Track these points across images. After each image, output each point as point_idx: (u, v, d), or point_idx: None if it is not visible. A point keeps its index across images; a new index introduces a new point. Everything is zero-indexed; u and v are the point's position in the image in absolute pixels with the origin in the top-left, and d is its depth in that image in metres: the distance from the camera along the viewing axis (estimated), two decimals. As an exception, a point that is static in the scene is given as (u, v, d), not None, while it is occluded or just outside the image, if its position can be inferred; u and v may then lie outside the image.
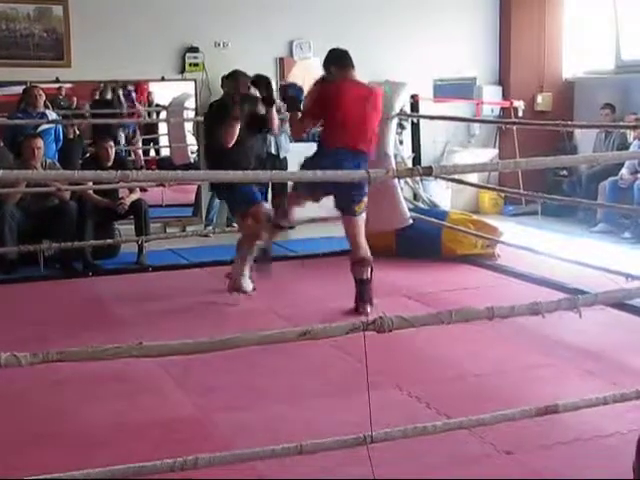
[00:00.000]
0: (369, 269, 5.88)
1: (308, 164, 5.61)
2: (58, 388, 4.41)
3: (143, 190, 8.48)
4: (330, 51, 6.02)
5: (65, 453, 3.64)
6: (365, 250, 5.87)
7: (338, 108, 5.70)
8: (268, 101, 6.16)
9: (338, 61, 5.91)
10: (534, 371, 4.72)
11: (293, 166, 7.92)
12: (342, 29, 9.43)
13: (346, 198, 5.73)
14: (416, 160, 8.71)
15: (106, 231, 7.85)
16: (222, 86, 7.19)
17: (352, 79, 5.90)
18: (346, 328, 2.89)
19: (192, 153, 9.89)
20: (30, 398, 4.33)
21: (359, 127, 5.73)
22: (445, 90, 10.18)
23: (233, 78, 6.36)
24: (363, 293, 5.88)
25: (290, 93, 6.00)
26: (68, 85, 9.41)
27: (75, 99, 9.89)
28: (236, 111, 5.97)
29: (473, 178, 9.14)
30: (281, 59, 9.50)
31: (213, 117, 6.26)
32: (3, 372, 2.71)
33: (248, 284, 6.18)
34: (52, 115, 8.31)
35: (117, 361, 2.92)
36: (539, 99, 10.46)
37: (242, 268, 6.15)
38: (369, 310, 5.74)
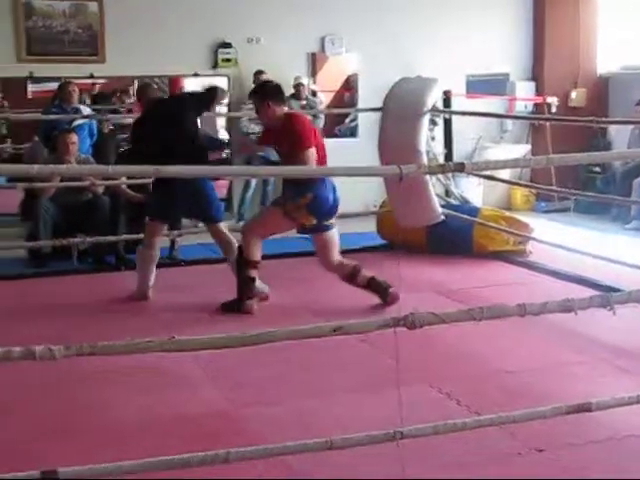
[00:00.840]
0: (360, 270, 5.94)
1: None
2: (90, 381, 4.45)
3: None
4: (268, 86, 6.07)
5: (97, 445, 3.67)
6: (341, 266, 5.97)
7: (318, 134, 5.92)
8: None
9: (279, 96, 5.92)
10: (566, 368, 4.69)
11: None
12: (374, 24, 9.42)
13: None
14: (448, 156, 8.68)
15: (139, 225, 7.88)
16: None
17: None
18: (377, 324, 2.89)
19: (224, 148, 9.92)
20: (62, 390, 4.37)
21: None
22: (478, 86, 10.12)
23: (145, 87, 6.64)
24: (377, 286, 5.92)
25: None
26: (102, 80, 9.49)
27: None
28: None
29: (505, 174, 9.09)
30: (313, 54, 9.50)
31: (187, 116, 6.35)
32: (37, 364, 2.74)
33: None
34: (86, 110, 8.37)
35: (149, 355, 2.94)
36: (573, 95, 10.37)
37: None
38: (393, 289, 5.81)
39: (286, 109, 5.99)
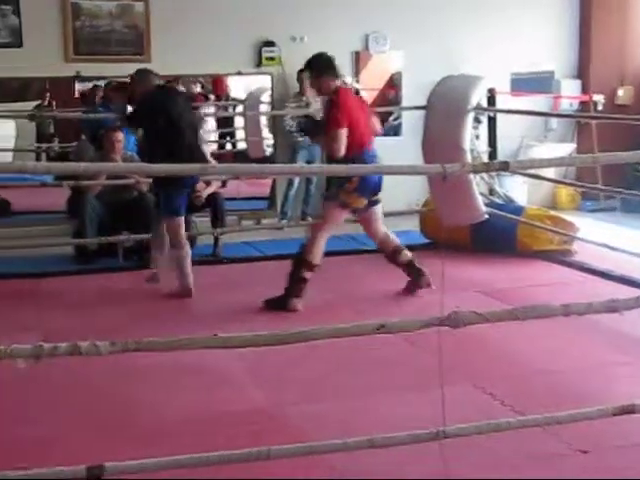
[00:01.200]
0: (402, 249, 6.24)
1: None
2: (134, 378, 4.50)
3: (223, 185, 8.63)
4: (322, 58, 6.06)
5: (139, 441, 3.71)
6: (386, 239, 6.26)
7: (359, 113, 5.98)
8: None
9: (333, 69, 5.99)
10: (611, 369, 4.64)
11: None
12: (418, 22, 9.38)
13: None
14: (492, 155, 8.62)
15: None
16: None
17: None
18: (420, 323, 2.89)
19: (268, 147, 9.97)
20: (106, 387, 4.42)
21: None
22: (522, 84, 10.03)
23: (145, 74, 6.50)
24: (413, 268, 6.20)
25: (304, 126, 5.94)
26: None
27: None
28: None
29: (550, 173, 9.01)
30: (357, 53, 9.49)
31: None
32: (81, 361, 2.78)
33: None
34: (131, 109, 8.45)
35: (192, 353, 2.97)
36: (620, 93, 10.23)
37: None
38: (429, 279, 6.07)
39: (339, 82, 6.06)
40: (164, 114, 6.18)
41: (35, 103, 10.23)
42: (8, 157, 9.86)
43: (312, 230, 6.10)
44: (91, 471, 2.75)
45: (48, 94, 10.25)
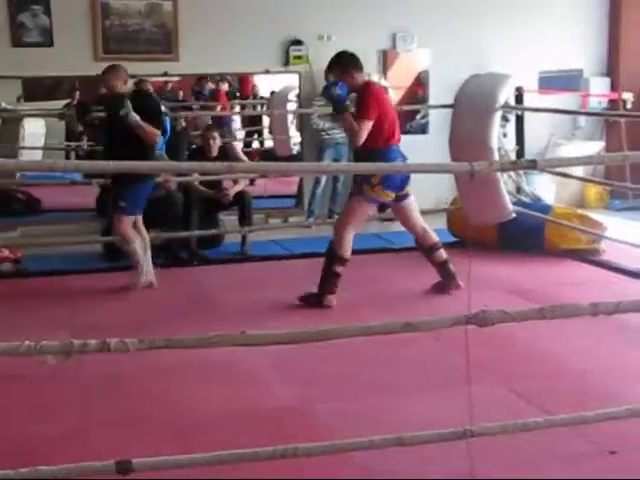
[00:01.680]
0: (439, 247, 6.21)
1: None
2: (161, 375, 4.52)
3: (252, 183, 8.65)
4: (346, 55, 6.09)
5: (167, 438, 3.73)
6: (425, 234, 6.21)
7: (389, 107, 6.02)
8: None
9: (358, 63, 6.02)
10: (640, 369, 4.61)
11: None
12: (446, 20, 9.36)
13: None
14: (520, 153, 8.59)
15: (211, 221, 7.99)
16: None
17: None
18: (448, 321, 2.89)
19: (295, 145, 9.98)
20: (133, 384, 4.45)
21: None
22: (550, 82, 9.98)
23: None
24: (446, 271, 6.18)
25: (335, 92, 5.88)
26: (175, 78, 9.61)
27: (181, 92, 10.13)
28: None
29: (578, 171, 8.96)
30: (384, 51, 9.48)
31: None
32: (108, 358, 2.81)
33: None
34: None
35: (219, 350, 2.99)
36: (649, 91, 10.16)
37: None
38: (459, 283, 6.06)
39: (366, 77, 6.17)
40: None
41: (65, 102, 10.29)
42: (38, 155, 9.94)
43: (337, 225, 6.09)
44: (120, 466, 2.77)
45: (77, 93, 10.31)
